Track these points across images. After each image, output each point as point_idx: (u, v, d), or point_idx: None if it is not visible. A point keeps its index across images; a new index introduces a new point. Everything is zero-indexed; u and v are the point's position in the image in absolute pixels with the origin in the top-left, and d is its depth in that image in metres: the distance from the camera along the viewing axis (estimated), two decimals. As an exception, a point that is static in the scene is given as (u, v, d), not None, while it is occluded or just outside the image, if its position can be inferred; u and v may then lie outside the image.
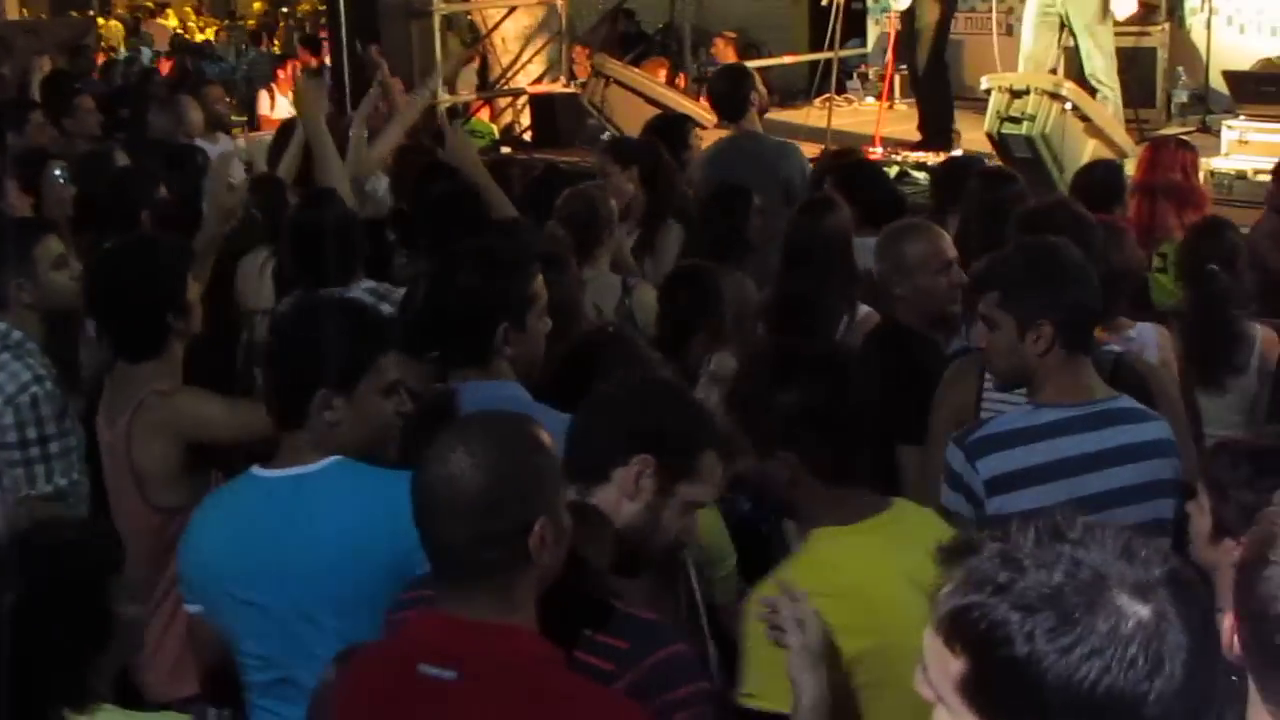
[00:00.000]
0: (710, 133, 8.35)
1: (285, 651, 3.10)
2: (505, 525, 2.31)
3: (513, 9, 13.44)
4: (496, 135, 12.42)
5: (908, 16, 9.90)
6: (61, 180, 6.43)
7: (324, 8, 15.14)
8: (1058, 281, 3.53)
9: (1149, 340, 4.67)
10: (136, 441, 3.90)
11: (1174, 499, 3.48)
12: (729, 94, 7.67)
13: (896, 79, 10.47)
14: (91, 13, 23.63)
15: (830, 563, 2.90)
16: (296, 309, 3.76)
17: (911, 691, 1.67)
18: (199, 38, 23.88)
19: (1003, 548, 1.58)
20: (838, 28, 10.54)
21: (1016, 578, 1.55)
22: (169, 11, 26.41)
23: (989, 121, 8.52)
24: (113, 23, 24.35)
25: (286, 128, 7.20)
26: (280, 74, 14.80)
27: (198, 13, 27.15)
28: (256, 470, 3.22)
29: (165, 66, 17.32)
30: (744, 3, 16.44)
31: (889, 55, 10.66)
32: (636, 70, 11.68)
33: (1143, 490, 3.51)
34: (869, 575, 2.87)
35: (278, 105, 13.82)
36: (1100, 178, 6.19)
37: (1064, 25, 9.10)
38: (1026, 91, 8.32)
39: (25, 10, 20.53)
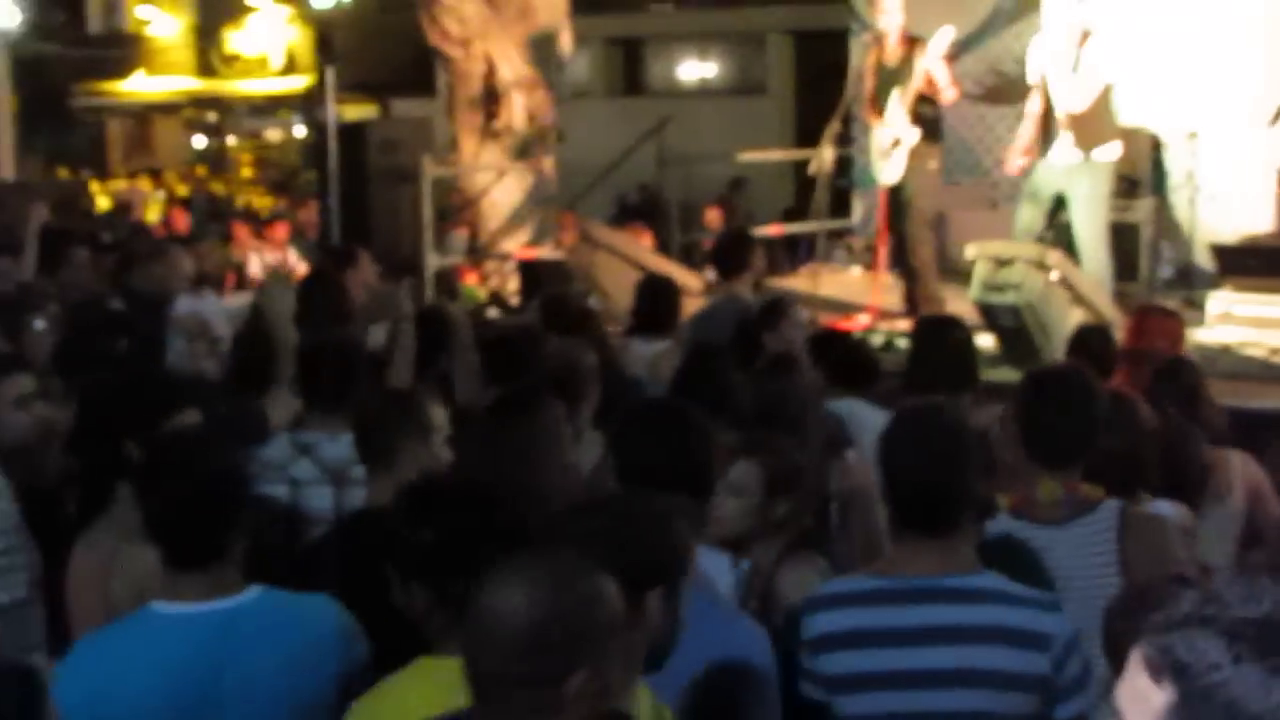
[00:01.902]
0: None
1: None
2: (542, 669, 2.25)
3: (502, 175, 13.60)
4: (483, 299, 12.53)
5: (895, 190, 9.99)
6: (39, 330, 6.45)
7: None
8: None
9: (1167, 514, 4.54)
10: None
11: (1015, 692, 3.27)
12: (731, 253, 7.98)
13: (883, 249, 10.56)
14: (86, 174, 23.87)
15: None
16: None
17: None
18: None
19: (1204, 592, 1.62)
20: (825, 199, 10.65)
21: (1222, 611, 1.58)
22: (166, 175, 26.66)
23: (975, 290, 8.54)
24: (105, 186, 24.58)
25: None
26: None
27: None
28: (163, 607, 3.12)
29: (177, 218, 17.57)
30: (728, 171, 16.68)
31: (878, 225, 10.74)
32: (623, 235, 11.77)
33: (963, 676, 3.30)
34: None
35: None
36: (1096, 345, 6.18)
37: (1057, 200, 9.17)
38: (1012, 261, 8.37)
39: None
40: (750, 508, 4.11)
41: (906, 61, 9.67)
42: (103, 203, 21.90)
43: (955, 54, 10.53)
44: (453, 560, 2.99)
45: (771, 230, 12.89)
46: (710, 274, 9.90)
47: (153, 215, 20.51)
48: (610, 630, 2.32)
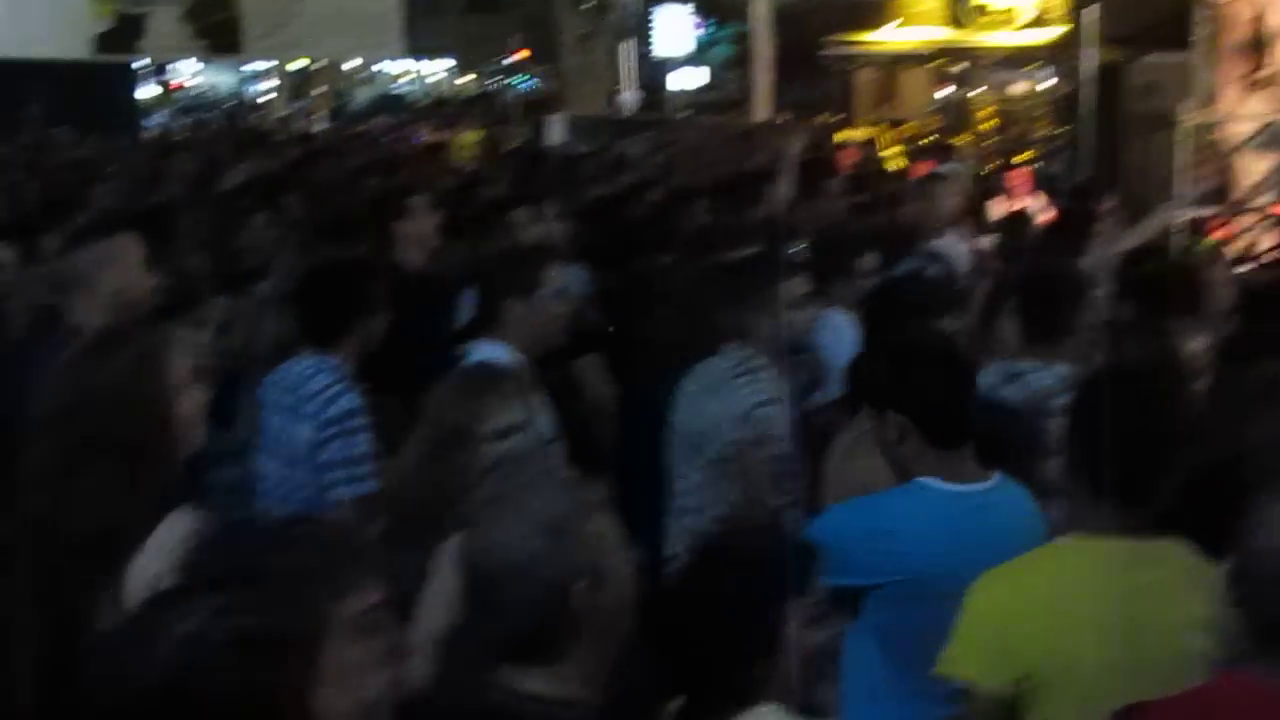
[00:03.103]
0: None
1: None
2: None
3: (1266, 125, 12.85)
4: (1223, 252, 11.89)
5: None
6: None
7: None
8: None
9: None
10: None
11: None
12: None
13: None
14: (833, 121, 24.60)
15: None
16: None
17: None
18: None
19: None
20: None
21: None
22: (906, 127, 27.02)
23: None
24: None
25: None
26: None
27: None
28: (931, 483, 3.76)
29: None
30: None
31: None
32: None
33: None
34: None
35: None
36: None
37: None
38: None
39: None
40: None
41: None
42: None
43: None
44: None
45: None
46: None
47: (894, 165, 20.89)
48: None
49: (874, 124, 26.05)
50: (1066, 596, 3.23)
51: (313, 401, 4.81)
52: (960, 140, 24.90)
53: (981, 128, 27.13)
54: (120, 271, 5.04)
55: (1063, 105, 15.98)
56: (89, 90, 15.22)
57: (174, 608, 2.01)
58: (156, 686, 1.91)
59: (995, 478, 3.86)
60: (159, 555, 3.11)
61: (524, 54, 33.04)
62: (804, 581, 2.96)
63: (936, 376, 3.88)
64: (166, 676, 1.93)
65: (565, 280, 5.64)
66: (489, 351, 4.98)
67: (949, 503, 3.76)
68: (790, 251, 6.88)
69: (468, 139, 21.65)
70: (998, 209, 14.21)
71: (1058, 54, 20.79)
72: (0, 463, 4.68)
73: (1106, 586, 3.19)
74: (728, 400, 4.88)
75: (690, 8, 27.76)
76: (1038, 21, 24.73)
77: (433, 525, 3.54)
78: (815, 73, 27.33)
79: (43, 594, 3.33)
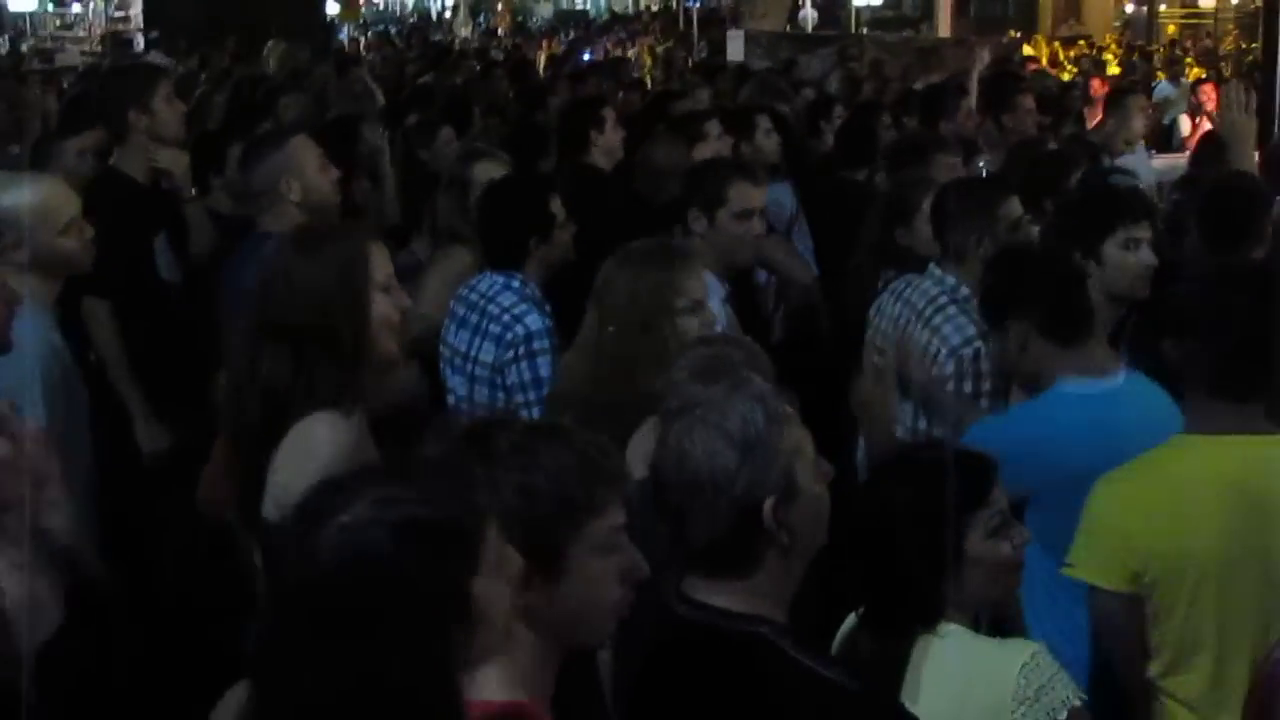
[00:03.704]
0: None
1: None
2: None
3: None
4: None
5: None
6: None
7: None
8: None
9: None
10: None
11: None
12: None
13: None
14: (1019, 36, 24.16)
15: None
16: None
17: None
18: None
19: None
20: None
21: None
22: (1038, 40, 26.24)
23: None
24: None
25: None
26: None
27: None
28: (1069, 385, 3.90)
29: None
30: None
31: None
32: None
33: None
34: None
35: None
36: None
37: None
38: None
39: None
40: None
41: None
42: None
43: None
44: None
45: None
46: None
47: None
48: None
49: (1058, 40, 25.52)
50: (1183, 497, 3.32)
51: (496, 322, 4.80)
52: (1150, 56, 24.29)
53: (1168, 42, 26.45)
54: (300, 176, 5.18)
55: (1252, 19, 15.43)
56: (282, 3, 15.58)
57: (339, 496, 2.06)
58: (322, 573, 1.96)
59: (1123, 371, 3.98)
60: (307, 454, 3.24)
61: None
62: (985, 494, 2.96)
63: (1049, 276, 4.03)
64: (331, 563, 1.99)
65: (770, 197, 5.56)
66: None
67: (1086, 404, 3.86)
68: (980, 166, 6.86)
69: (648, 54, 21.69)
70: (1187, 126, 13.91)
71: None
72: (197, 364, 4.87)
73: (1223, 485, 3.28)
74: (939, 330, 4.70)
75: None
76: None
77: (625, 411, 3.50)
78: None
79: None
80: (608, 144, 7.12)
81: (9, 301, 3.87)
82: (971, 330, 4.58)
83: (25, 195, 4.56)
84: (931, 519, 2.81)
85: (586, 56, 20.85)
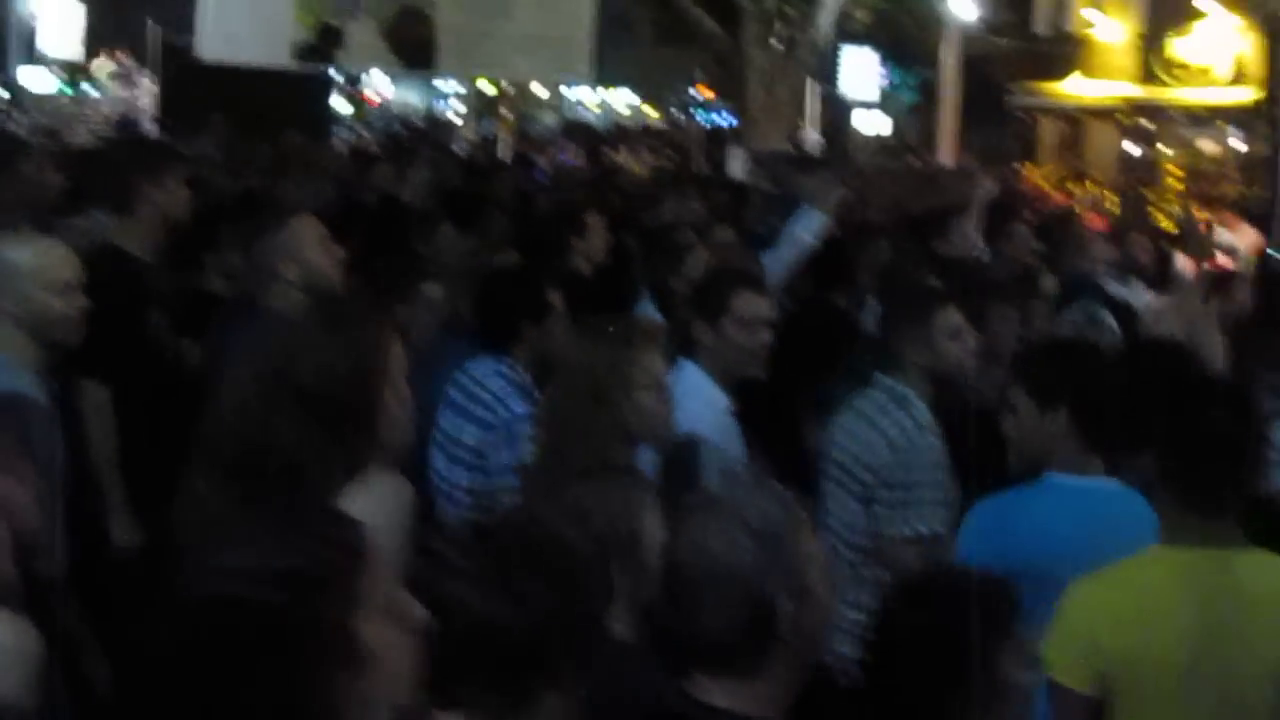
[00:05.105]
0: None
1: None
2: None
3: None
4: None
5: None
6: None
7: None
8: None
9: None
10: None
11: None
12: None
13: None
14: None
15: None
16: None
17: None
18: None
19: None
20: None
21: None
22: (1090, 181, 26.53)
23: None
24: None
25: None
26: None
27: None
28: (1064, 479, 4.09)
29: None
30: None
31: None
32: None
33: None
34: None
35: None
36: None
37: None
38: None
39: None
40: None
41: None
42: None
43: None
44: None
45: None
46: None
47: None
48: None
49: (1057, 174, 25.72)
50: (1151, 607, 3.39)
51: (484, 406, 4.91)
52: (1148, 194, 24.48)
53: (1169, 184, 26.64)
54: (301, 256, 5.21)
55: (1259, 167, 15.63)
56: (286, 96, 15.65)
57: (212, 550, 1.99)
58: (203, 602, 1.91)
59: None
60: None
61: (708, 94, 33.23)
62: (1011, 621, 2.91)
63: (1100, 374, 4.21)
64: (195, 605, 1.92)
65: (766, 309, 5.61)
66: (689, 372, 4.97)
67: (1076, 498, 4.06)
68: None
69: (648, 165, 21.82)
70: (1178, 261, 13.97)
71: (1253, 114, 20.42)
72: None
73: (1190, 599, 3.36)
74: (884, 430, 4.88)
75: (877, 55, 27.70)
76: (1236, 79, 24.28)
77: (579, 473, 3.48)
78: (1001, 120, 27.07)
79: None
80: (589, 249, 7.20)
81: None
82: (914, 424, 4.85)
83: (25, 251, 4.59)
84: (954, 643, 2.78)
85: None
